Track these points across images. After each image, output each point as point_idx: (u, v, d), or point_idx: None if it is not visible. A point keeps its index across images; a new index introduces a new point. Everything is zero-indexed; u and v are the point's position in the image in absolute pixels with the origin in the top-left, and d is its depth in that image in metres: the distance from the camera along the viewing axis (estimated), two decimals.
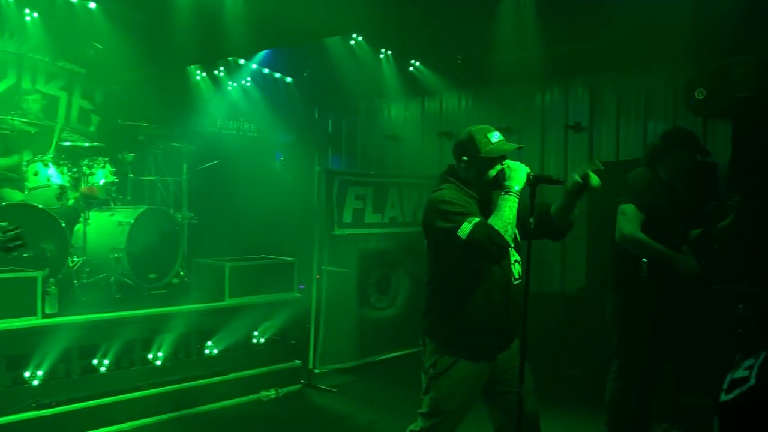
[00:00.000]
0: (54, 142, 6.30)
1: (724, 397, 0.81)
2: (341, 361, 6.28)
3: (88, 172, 6.02)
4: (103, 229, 5.87)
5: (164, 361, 5.23)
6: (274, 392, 5.66)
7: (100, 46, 6.96)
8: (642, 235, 3.87)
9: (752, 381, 0.78)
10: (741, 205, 4.07)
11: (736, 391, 0.79)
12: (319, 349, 6.04)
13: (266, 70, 8.42)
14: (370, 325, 6.55)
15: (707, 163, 5.82)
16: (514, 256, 2.93)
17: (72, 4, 6.62)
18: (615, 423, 4.15)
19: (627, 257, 3.93)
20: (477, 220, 2.69)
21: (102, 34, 6.78)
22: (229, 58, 7.95)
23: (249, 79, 8.47)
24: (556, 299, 6.47)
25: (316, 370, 6.04)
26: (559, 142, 7.04)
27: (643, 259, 3.78)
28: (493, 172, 2.85)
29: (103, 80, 7.48)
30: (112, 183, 6.18)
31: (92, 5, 6.56)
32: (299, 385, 5.96)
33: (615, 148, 6.64)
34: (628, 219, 3.89)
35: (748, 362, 0.82)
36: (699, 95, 5.87)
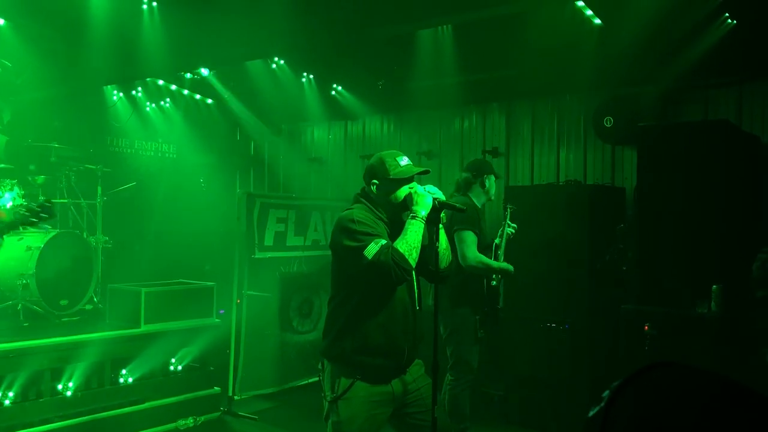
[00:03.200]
0: None
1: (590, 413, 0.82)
2: (262, 387, 6.18)
3: None
4: (10, 254, 5.60)
5: (75, 392, 4.99)
6: (192, 421, 5.51)
7: (9, 64, 6.69)
8: (484, 257, 4.39)
9: (604, 401, 0.81)
10: None
11: (595, 409, 0.82)
12: (239, 376, 5.93)
13: (186, 91, 8.28)
14: (292, 349, 6.48)
15: (616, 188, 6.12)
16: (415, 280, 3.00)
17: None
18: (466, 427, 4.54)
19: (471, 277, 4.41)
20: (384, 242, 2.76)
21: (11, 51, 6.51)
22: (148, 79, 7.78)
23: (168, 100, 8.32)
24: None
25: (236, 397, 5.92)
26: None
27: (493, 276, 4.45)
28: (401, 194, 2.95)
29: (12, 99, 7.17)
30: (21, 206, 5.92)
31: (0, 21, 6.31)
32: (219, 413, 5.81)
33: (530, 173, 6.87)
34: (469, 245, 4.35)
35: (617, 382, 0.85)
36: (607, 123, 6.15)
